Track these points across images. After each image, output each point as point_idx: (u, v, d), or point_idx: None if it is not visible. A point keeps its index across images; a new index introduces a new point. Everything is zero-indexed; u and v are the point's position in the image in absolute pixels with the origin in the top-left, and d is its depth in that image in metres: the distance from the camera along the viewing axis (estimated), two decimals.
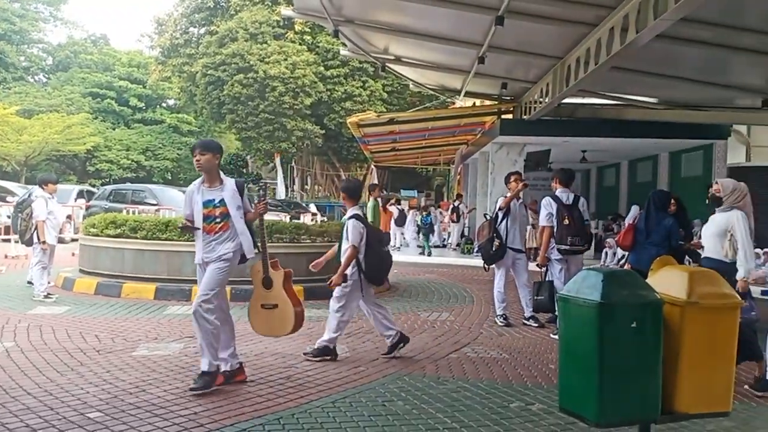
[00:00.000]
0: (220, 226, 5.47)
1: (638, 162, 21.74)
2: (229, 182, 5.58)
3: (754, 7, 8.45)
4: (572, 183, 8.54)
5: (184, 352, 6.57)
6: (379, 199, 13.80)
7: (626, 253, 8.41)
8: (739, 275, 5.90)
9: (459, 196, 25.01)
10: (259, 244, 5.79)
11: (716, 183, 6.25)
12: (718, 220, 6.16)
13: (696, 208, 10.93)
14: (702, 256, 6.45)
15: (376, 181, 29.79)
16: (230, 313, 5.74)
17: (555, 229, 8.14)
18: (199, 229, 5.54)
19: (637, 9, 7.90)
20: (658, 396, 3.54)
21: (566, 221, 8.06)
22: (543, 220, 8.26)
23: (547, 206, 8.23)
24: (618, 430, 4.32)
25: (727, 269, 5.71)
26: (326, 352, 6.51)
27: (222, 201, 5.47)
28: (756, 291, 12.59)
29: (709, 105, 13.92)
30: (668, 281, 3.73)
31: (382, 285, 7.13)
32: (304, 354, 6.54)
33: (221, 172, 5.59)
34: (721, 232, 6.07)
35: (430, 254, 20.13)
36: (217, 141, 5.93)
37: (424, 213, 22.24)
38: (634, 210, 8.89)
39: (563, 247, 8.10)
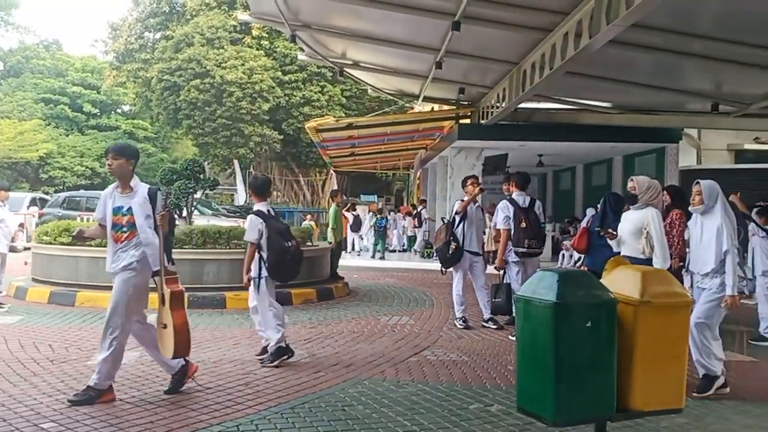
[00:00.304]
0: (126, 235, 5.20)
1: (593, 165, 22.09)
2: (141, 190, 5.30)
3: (703, 14, 8.68)
4: (528, 186, 8.64)
5: (140, 360, 6.46)
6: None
7: (582, 256, 8.54)
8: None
9: (423, 201, 25.10)
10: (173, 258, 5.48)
11: (631, 181, 6.20)
12: (633, 217, 6.12)
13: None
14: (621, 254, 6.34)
15: (335, 186, 29.76)
16: (149, 322, 5.49)
17: (512, 232, 8.22)
18: (88, 236, 5.43)
19: (590, 15, 8.04)
20: (613, 394, 3.60)
21: (523, 224, 8.15)
22: (500, 223, 8.34)
23: (504, 209, 8.31)
24: (575, 428, 4.40)
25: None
26: (282, 353, 6.43)
27: (129, 209, 5.22)
28: None
29: (661, 109, 14.25)
30: (622, 281, 3.80)
31: (286, 281, 6.87)
32: (261, 363, 6.44)
33: (137, 179, 5.36)
34: (637, 229, 6.00)
35: (382, 257, 20.24)
36: (132, 146, 5.56)
37: (378, 216, 22.33)
38: (590, 213, 9.04)
39: (520, 249, 8.19)
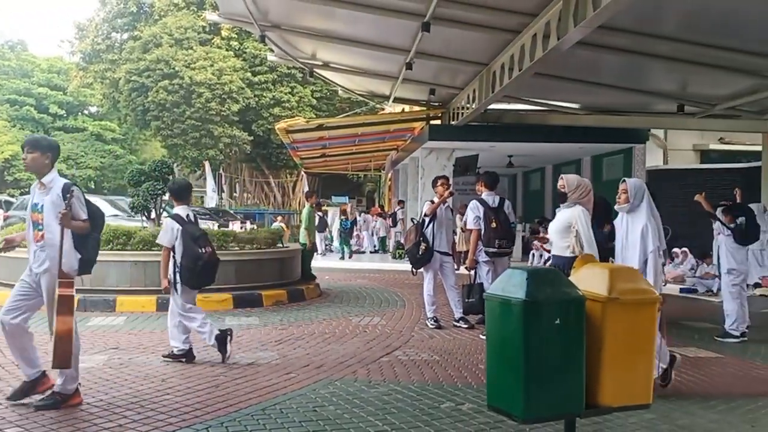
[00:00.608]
0: (41, 233, 4.94)
1: (562, 166, 22.29)
2: (57, 186, 4.96)
3: (669, 16, 8.81)
4: (497, 186, 8.68)
5: (108, 363, 6.37)
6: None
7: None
8: None
9: (401, 202, 25.13)
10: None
11: (561, 179, 6.07)
12: (561, 216, 5.97)
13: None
14: (551, 253, 6.26)
15: (307, 188, 29.66)
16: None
17: (482, 232, 8.26)
18: (19, 243, 5.24)
19: (557, 17, 8.12)
20: (582, 390, 3.63)
21: (493, 224, 8.20)
22: (470, 224, 8.37)
23: (474, 209, 8.34)
24: (544, 425, 4.43)
25: (569, 264, 5.44)
26: (182, 357, 6.44)
27: (43, 206, 4.94)
28: (675, 289, 13.13)
29: (628, 110, 14.45)
30: (590, 278, 3.83)
31: (198, 287, 6.72)
32: (164, 356, 6.48)
33: (53, 174, 5.03)
34: (565, 228, 5.85)
35: (350, 257, 20.35)
36: (49, 139, 5.31)
37: (343, 217, 22.38)
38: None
39: (491, 249, 8.23)
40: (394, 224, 22.91)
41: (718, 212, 8.49)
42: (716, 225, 8.60)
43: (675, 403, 5.37)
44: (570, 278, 3.94)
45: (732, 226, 8.27)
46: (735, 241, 8.25)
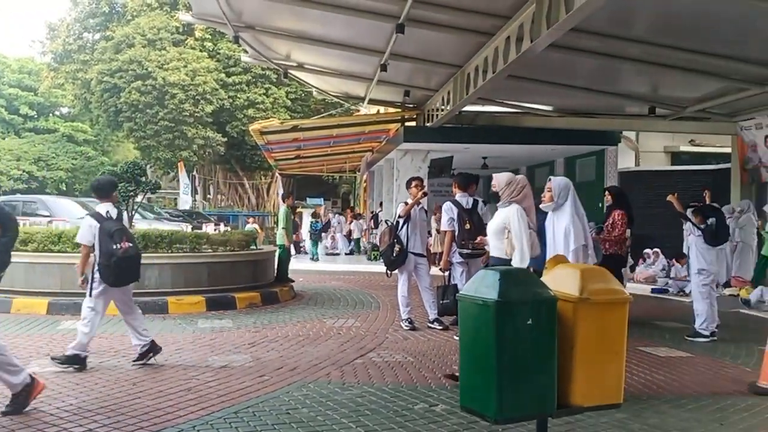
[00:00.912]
0: None
1: (536, 168, 22.45)
2: None
3: (640, 19, 8.92)
4: (471, 187, 8.69)
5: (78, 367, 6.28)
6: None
7: None
8: None
9: (382, 204, 25.14)
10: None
11: (493, 178, 5.96)
12: (497, 216, 5.84)
13: (590, 212, 11.35)
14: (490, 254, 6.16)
15: (281, 189, 29.57)
16: None
17: (456, 234, 8.27)
18: None
19: (531, 19, 8.18)
20: (554, 390, 3.65)
21: (467, 225, 8.18)
22: (444, 225, 8.38)
23: (448, 211, 8.34)
24: (516, 426, 4.45)
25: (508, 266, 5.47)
26: (74, 362, 6.23)
27: None
28: (646, 289, 13.27)
29: (600, 112, 14.60)
30: (561, 279, 3.85)
31: (119, 285, 6.55)
32: (54, 360, 6.25)
33: None
34: (499, 228, 5.73)
35: (317, 260, 20.39)
36: None
37: (313, 219, 22.37)
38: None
39: (465, 251, 8.23)
40: (376, 226, 22.93)
41: (689, 213, 8.59)
42: (687, 226, 8.70)
43: (646, 403, 5.43)
44: (542, 278, 3.97)
45: (702, 226, 8.37)
46: (705, 241, 8.34)
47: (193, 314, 9.47)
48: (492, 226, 5.90)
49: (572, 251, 5.30)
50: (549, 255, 5.49)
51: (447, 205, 8.40)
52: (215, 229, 13.02)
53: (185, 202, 31.26)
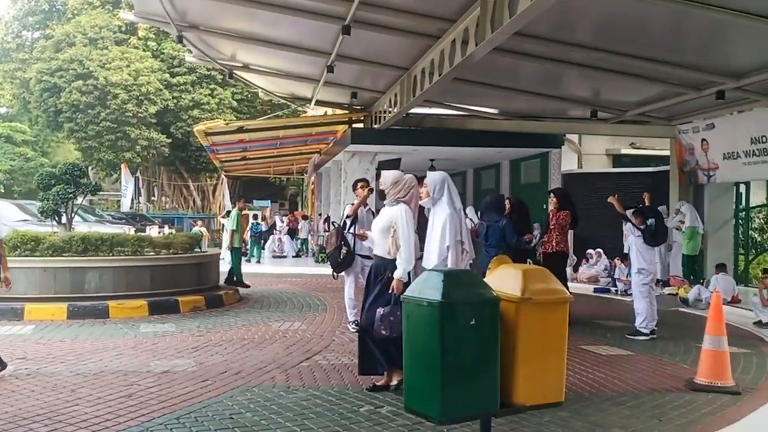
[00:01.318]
0: None
1: (482, 170, 22.71)
2: None
3: (583, 24, 9.09)
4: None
5: (15, 374, 6.08)
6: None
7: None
8: (397, 274, 5.36)
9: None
10: None
11: (381, 175, 5.81)
12: (383, 215, 5.72)
13: (535, 213, 11.55)
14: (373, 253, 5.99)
15: (227, 191, 29.26)
16: None
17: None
18: None
19: (475, 23, 8.24)
20: (497, 390, 3.68)
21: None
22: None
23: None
24: (461, 426, 4.47)
25: (390, 267, 5.44)
26: None
27: None
28: (589, 288, 13.52)
29: (544, 116, 14.83)
30: (504, 279, 3.90)
31: None
32: None
33: None
34: (385, 227, 5.55)
35: (258, 261, 20.25)
36: None
37: (254, 221, 22.24)
38: (470, 212, 9.17)
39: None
40: (329, 228, 22.89)
41: (629, 214, 8.80)
42: (627, 226, 8.90)
43: (588, 400, 5.52)
44: (485, 279, 4.00)
45: (642, 227, 8.58)
46: (645, 241, 8.55)
47: (135, 318, 9.26)
48: (378, 224, 5.74)
49: (447, 247, 5.16)
50: (427, 250, 5.48)
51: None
52: (159, 232, 12.80)
53: (127, 204, 30.60)
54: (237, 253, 12.87)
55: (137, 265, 10.07)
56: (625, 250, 12.26)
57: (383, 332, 5.29)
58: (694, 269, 13.20)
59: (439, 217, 5.25)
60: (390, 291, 5.39)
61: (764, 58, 9.54)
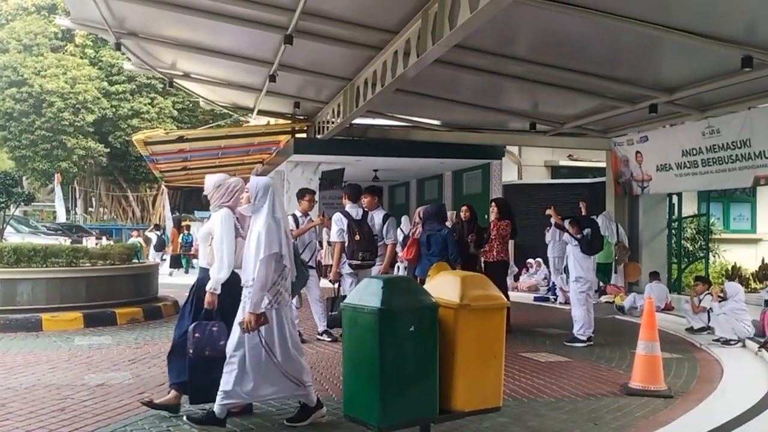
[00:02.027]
0: None
1: (426, 181, 22.89)
2: None
3: (521, 38, 9.27)
4: (363, 198, 8.74)
5: None
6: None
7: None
8: (209, 285, 4.93)
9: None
10: None
11: (206, 179, 5.53)
12: (207, 221, 5.43)
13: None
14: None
15: (167, 202, 28.76)
16: None
17: (346, 245, 8.28)
18: None
19: (417, 35, 8.33)
20: (436, 396, 3.71)
21: (357, 236, 8.21)
22: (334, 236, 8.37)
23: (338, 222, 8.34)
24: None
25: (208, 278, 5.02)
26: None
27: None
28: (529, 297, 13.74)
29: (485, 127, 15.04)
30: (443, 286, 3.94)
31: None
32: None
33: None
34: (204, 234, 5.24)
35: (186, 272, 20.09)
36: None
37: (185, 232, 22.00)
38: (404, 221, 9.25)
39: (354, 262, 8.24)
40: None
41: (566, 224, 9.00)
42: (565, 236, 9.09)
43: (526, 406, 5.61)
44: (425, 286, 4.03)
45: (579, 236, 8.78)
46: (581, 250, 8.76)
47: (70, 331, 9.02)
48: (201, 232, 5.40)
49: (261, 260, 4.56)
50: (246, 262, 4.81)
51: (337, 216, 8.40)
52: (96, 244, 12.48)
53: (63, 215, 29.76)
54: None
55: (72, 276, 9.81)
56: (548, 252, 12.59)
57: (189, 351, 4.86)
58: (607, 276, 13.65)
59: (256, 227, 4.74)
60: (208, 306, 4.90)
61: (695, 73, 9.91)
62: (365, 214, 8.51)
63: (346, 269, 8.39)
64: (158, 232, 23.21)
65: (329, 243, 13.54)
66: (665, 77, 10.34)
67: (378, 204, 8.87)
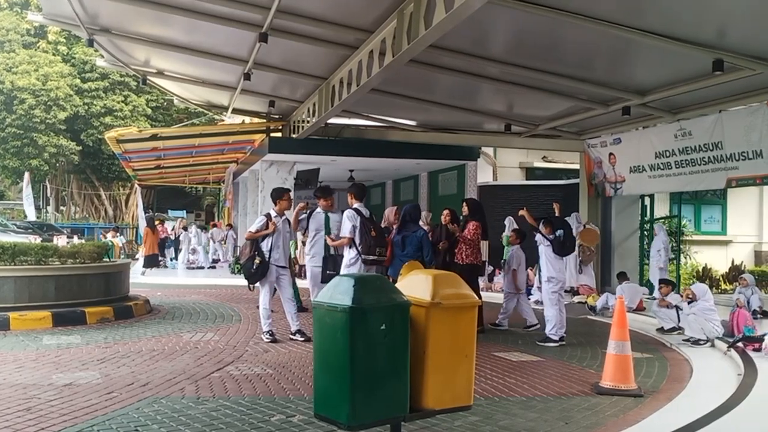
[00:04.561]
0: None
1: (401, 181, 22.90)
2: None
3: (497, 39, 9.31)
4: (364, 197, 8.81)
5: None
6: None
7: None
8: None
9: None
10: None
11: None
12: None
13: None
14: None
15: (141, 201, 28.48)
16: None
17: (359, 241, 8.24)
18: None
19: (392, 34, 8.33)
20: (407, 394, 3.70)
21: (372, 233, 8.25)
22: (346, 231, 8.30)
23: (352, 219, 8.30)
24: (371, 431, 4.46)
25: None
26: None
27: None
28: (502, 297, 13.76)
29: (460, 128, 15.10)
30: (415, 284, 3.92)
31: None
32: None
33: None
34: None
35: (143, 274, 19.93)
36: None
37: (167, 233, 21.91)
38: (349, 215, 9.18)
39: (371, 257, 8.21)
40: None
41: (540, 225, 9.05)
42: (538, 237, 9.13)
43: (498, 405, 5.62)
44: (397, 284, 4.02)
45: (551, 237, 8.83)
46: (554, 251, 8.82)
47: (38, 330, 8.87)
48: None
49: None
50: None
51: (350, 213, 8.34)
52: (68, 242, 12.31)
53: (32, 213, 29.30)
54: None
55: (41, 275, 9.65)
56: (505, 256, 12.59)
57: None
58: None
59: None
60: None
61: (667, 76, 10.03)
62: (370, 213, 8.59)
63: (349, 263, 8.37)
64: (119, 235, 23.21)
65: (303, 243, 13.46)
66: (638, 80, 10.45)
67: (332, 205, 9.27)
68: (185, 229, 24.61)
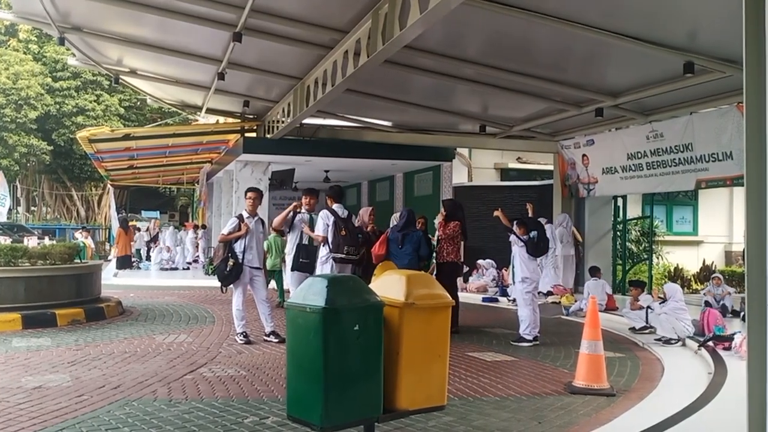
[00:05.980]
0: None
1: (377, 182, 22.88)
2: None
3: (472, 41, 9.34)
4: (342, 198, 8.96)
5: None
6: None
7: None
8: None
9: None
10: None
11: None
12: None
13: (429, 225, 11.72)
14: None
15: (113, 202, 28.19)
16: None
17: (331, 240, 8.39)
18: None
19: (367, 35, 8.32)
20: (380, 395, 3.69)
21: (342, 232, 8.45)
22: (320, 230, 8.52)
23: (325, 218, 8.50)
24: None
25: None
26: None
27: None
28: (478, 298, 13.84)
29: (436, 129, 15.13)
30: (388, 285, 3.92)
31: None
32: None
33: None
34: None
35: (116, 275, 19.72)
36: None
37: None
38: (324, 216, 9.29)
39: (339, 255, 8.37)
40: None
41: (514, 225, 9.10)
42: (512, 237, 9.18)
43: (472, 405, 5.63)
44: (370, 285, 4.01)
45: (525, 238, 8.88)
46: (527, 252, 8.87)
47: (7, 333, 8.74)
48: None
49: None
50: None
51: (324, 213, 8.58)
52: (38, 243, 12.11)
53: (4, 214, 28.82)
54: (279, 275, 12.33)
55: (10, 276, 9.51)
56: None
57: None
58: None
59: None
60: None
61: (639, 78, 10.14)
62: (350, 214, 8.79)
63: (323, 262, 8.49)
64: (84, 235, 22.94)
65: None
66: (611, 81, 10.55)
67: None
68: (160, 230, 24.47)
